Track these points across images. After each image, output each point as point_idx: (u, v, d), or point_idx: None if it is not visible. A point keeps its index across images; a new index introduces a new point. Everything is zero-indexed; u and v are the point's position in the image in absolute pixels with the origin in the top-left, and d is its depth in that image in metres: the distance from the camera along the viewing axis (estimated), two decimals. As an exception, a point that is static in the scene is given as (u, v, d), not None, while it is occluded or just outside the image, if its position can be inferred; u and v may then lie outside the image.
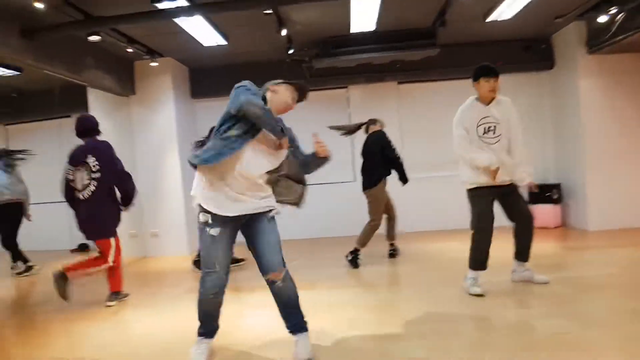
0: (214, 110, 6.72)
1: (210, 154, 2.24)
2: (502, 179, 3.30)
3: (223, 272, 2.39)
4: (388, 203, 4.77)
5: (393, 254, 4.90)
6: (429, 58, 5.83)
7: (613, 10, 5.00)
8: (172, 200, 6.08)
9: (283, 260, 2.42)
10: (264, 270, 2.41)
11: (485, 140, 3.31)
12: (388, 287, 4.03)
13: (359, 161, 6.48)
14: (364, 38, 5.44)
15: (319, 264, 4.89)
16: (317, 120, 6.75)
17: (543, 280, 3.47)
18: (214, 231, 2.35)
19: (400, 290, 3.93)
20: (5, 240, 5.32)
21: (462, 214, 6.16)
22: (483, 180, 3.30)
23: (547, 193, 6.29)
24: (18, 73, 5.87)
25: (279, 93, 2.42)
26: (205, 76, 6.56)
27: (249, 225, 2.42)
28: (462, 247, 5.06)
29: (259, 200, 2.38)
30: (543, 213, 6.26)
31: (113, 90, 5.70)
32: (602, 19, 5.20)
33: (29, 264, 5.41)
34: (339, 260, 4.69)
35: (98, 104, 6.09)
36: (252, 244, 2.45)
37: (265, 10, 4.26)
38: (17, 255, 5.35)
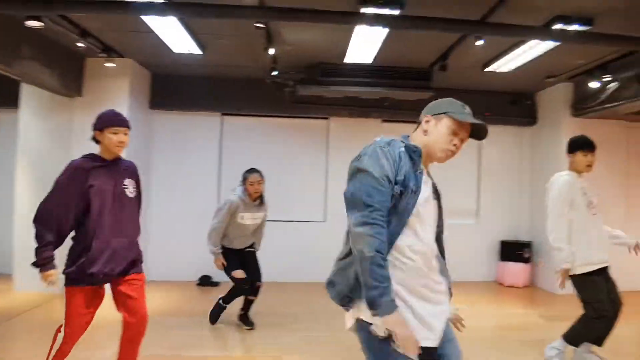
0: (174, 126, 5.99)
1: None
2: (604, 258, 2.98)
3: None
4: None
5: None
6: (419, 100, 5.48)
7: (607, 78, 4.94)
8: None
9: None
10: None
11: (591, 212, 3.00)
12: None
13: (331, 200, 6.01)
14: (356, 69, 4.98)
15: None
16: (294, 151, 6.28)
17: None
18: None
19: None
20: None
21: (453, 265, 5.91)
22: (598, 259, 2.93)
23: (518, 251, 6.14)
24: None
25: (438, 127, 1.57)
26: (170, 85, 5.75)
27: None
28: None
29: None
30: (513, 272, 6.13)
31: (54, 89, 4.73)
32: (594, 84, 5.13)
33: None
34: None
35: (32, 102, 5.09)
36: None
37: (258, 23, 3.62)
38: None
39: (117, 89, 5.11)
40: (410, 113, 5.83)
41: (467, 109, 1.60)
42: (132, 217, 2.51)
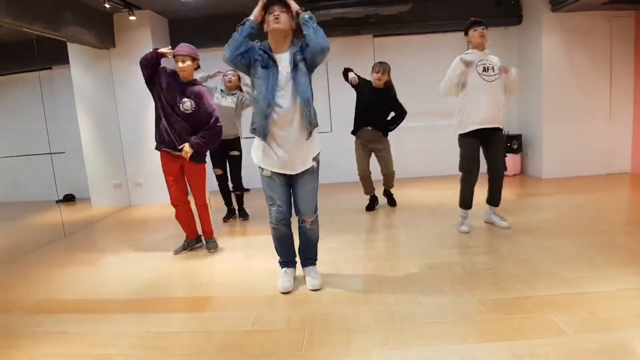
0: (194, 61, 7.00)
1: None
2: (488, 120, 3.64)
3: (284, 206, 2.78)
4: None
5: None
6: (402, 13, 6.02)
7: (576, -30, 5.26)
8: (154, 150, 6.31)
9: (316, 208, 2.85)
10: (297, 212, 2.85)
11: (485, 77, 3.61)
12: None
13: (335, 111, 6.83)
14: (340, -7, 5.58)
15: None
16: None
17: (505, 225, 3.93)
18: (266, 172, 2.74)
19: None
20: None
21: (435, 161, 6.77)
22: (470, 126, 3.68)
23: (508, 143, 6.75)
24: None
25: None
26: (185, 27, 6.62)
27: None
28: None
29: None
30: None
31: (93, 44, 5.76)
32: (566, -23, 5.44)
33: None
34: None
35: (78, 57, 6.20)
36: (292, 189, 2.83)
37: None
38: None
39: (142, 37, 6.05)
40: (395, 26, 6.46)
41: None
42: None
